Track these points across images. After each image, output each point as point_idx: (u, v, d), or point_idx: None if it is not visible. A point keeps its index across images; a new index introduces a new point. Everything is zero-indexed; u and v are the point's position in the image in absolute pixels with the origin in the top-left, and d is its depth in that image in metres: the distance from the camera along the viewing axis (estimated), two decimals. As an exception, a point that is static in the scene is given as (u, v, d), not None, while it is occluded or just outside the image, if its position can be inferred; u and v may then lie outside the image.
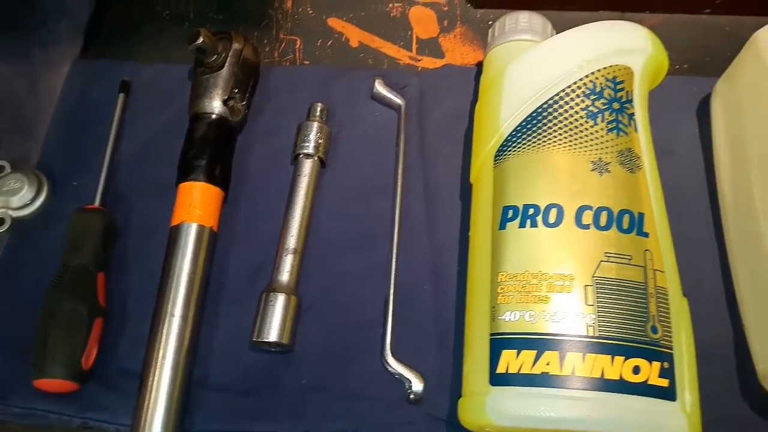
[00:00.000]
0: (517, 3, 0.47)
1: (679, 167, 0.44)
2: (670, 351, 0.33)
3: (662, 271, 0.34)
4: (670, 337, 0.33)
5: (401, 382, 0.38)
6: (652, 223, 0.35)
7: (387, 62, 0.49)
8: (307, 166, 0.43)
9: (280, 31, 0.50)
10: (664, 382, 0.32)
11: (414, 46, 0.49)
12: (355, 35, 0.50)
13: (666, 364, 0.32)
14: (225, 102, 0.43)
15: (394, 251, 0.41)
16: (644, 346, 0.32)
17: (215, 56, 0.44)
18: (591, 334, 0.32)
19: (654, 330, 0.33)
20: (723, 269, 0.41)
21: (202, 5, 0.51)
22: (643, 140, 0.38)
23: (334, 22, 0.50)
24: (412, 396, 0.38)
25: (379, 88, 0.46)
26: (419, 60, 0.49)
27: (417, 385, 0.38)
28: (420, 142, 0.45)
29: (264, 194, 0.44)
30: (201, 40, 0.43)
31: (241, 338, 0.40)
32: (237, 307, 0.41)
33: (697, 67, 0.48)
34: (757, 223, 0.37)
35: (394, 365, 0.38)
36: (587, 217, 0.35)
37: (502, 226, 0.36)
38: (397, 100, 0.46)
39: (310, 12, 0.51)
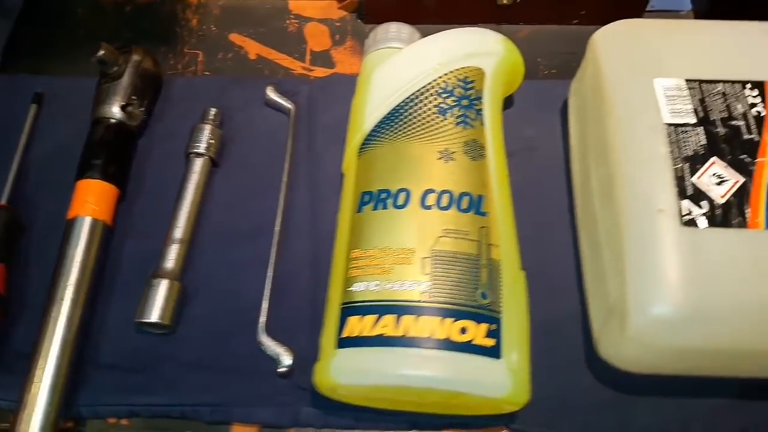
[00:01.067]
0: (401, 18, 0.52)
1: (541, 160, 0.48)
2: (497, 315, 0.36)
3: (497, 246, 0.38)
4: (500, 302, 0.36)
5: (273, 358, 0.41)
6: (491, 204, 0.39)
7: (282, 72, 0.53)
8: (198, 164, 0.47)
9: (185, 46, 0.54)
10: (490, 342, 0.35)
11: (307, 58, 0.54)
12: (253, 48, 0.54)
13: (493, 326, 0.36)
14: (123, 108, 0.47)
15: (275, 241, 0.45)
16: (472, 309, 0.35)
17: (116, 67, 0.48)
18: (424, 299, 0.36)
19: (484, 296, 0.36)
20: (575, 250, 0.45)
21: (116, 25, 0.56)
22: (489, 132, 0.42)
23: (234, 37, 0.55)
24: (281, 370, 0.41)
25: (271, 94, 0.50)
26: (312, 70, 0.53)
27: (286, 360, 0.41)
28: (308, 143, 0.49)
29: (159, 192, 0.47)
30: (102, 52, 0.47)
31: (129, 322, 0.42)
32: (128, 294, 0.44)
33: (564, 71, 0.52)
34: (593, 206, 0.41)
35: (266, 342, 0.41)
36: (431, 199, 0.39)
37: (359, 210, 0.40)
38: (288, 105, 0.50)
39: (214, 29, 0.55)
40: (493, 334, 0.35)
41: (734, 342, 0.34)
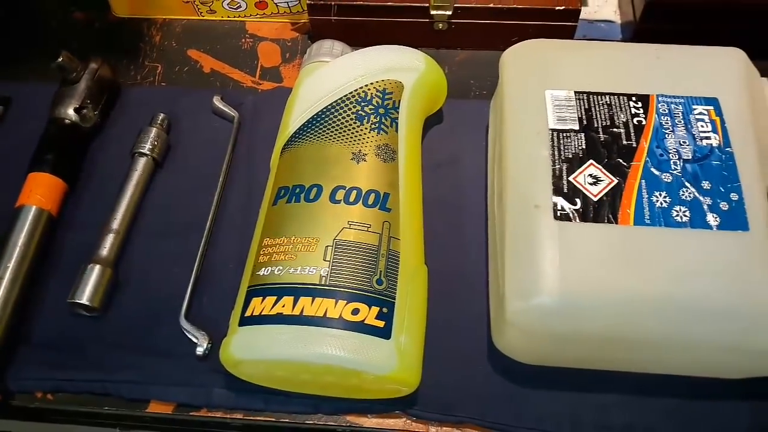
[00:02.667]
0: (346, 41, 0.56)
1: (464, 172, 0.51)
2: (391, 300, 0.39)
3: (398, 239, 0.41)
4: (395, 289, 0.39)
5: (193, 342, 0.44)
6: (396, 201, 0.42)
7: (232, 85, 0.57)
8: (140, 163, 0.50)
9: (146, 59, 0.59)
10: (380, 323, 0.38)
11: (258, 73, 0.58)
12: (208, 63, 0.58)
13: (385, 310, 0.38)
14: (77, 110, 0.51)
15: (204, 234, 0.48)
16: (366, 293, 0.38)
17: (75, 73, 0.52)
18: (322, 283, 0.38)
19: (379, 282, 0.39)
20: (486, 252, 0.47)
21: (85, 38, 0.60)
22: (402, 139, 0.45)
23: (192, 53, 0.59)
24: (197, 353, 0.43)
25: (216, 103, 0.54)
26: (260, 84, 0.57)
27: (203, 343, 0.43)
28: (248, 148, 0.53)
29: (105, 187, 0.51)
30: (61, 59, 0.51)
31: (63, 305, 0.45)
32: (66, 280, 0.46)
33: (493, 93, 0.56)
34: (494, 212, 0.44)
35: (186, 327, 0.44)
36: (340, 195, 0.42)
37: (275, 203, 0.43)
38: (232, 113, 0.54)
39: (174, 45, 0.59)
40: (384, 316, 0.38)
41: (604, 330, 0.36)
